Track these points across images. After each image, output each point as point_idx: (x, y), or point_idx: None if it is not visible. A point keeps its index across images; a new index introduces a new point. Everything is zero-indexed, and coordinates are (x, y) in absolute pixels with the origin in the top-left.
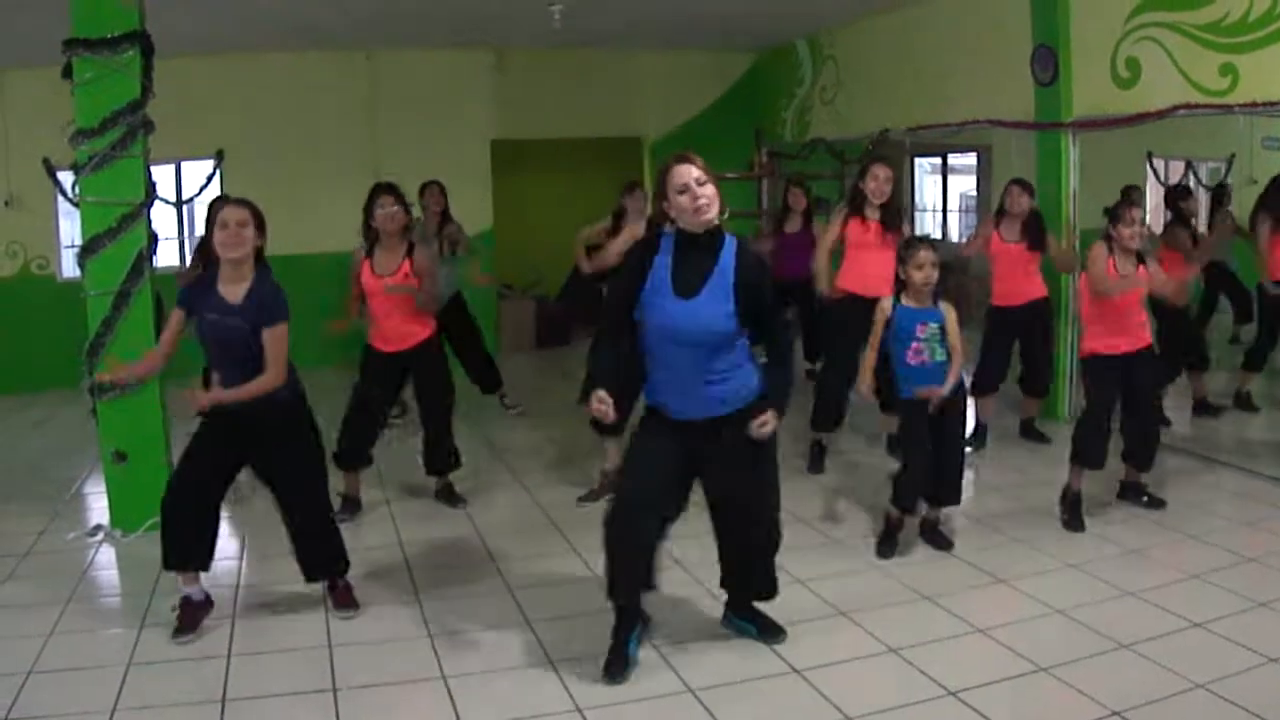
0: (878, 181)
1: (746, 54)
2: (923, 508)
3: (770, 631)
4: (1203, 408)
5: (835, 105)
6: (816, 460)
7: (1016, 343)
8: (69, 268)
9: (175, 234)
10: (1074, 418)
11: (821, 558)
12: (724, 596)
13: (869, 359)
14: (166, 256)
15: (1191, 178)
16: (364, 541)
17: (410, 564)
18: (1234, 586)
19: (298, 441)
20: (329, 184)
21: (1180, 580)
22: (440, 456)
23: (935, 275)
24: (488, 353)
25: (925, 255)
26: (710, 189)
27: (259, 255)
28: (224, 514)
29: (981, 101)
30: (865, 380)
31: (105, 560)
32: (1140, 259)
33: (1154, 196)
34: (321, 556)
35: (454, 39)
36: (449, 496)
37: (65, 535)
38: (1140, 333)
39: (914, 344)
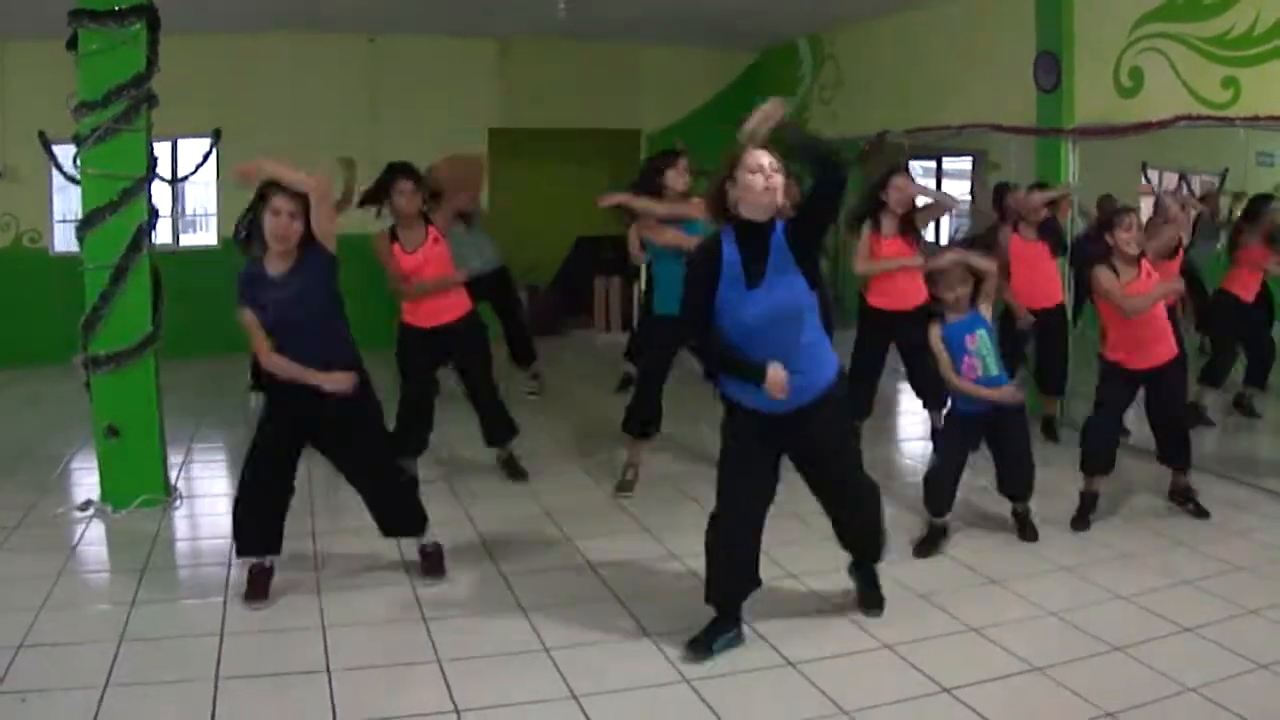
0: (901, 192)
1: (747, 51)
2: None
3: (868, 603)
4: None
5: (834, 106)
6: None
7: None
8: (61, 242)
9: (169, 212)
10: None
11: (814, 553)
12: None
13: (957, 384)
14: (161, 234)
15: (1184, 189)
16: (360, 523)
17: (403, 552)
18: (1224, 593)
19: (366, 406)
20: (325, 167)
21: (1171, 586)
22: (503, 425)
23: (964, 290)
24: (526, 326)
25: (957, 274)
26: (780, 179)
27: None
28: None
29: (982, 106)
30: (978, 390)
31: (95, 535)
32: (1138, 260)
33: (1146, 209)
34: (401, 516)
35: (458, 27)
36: (512, 469)
37: (54, 510)
38: (1164, 347)
39: (966, 358)
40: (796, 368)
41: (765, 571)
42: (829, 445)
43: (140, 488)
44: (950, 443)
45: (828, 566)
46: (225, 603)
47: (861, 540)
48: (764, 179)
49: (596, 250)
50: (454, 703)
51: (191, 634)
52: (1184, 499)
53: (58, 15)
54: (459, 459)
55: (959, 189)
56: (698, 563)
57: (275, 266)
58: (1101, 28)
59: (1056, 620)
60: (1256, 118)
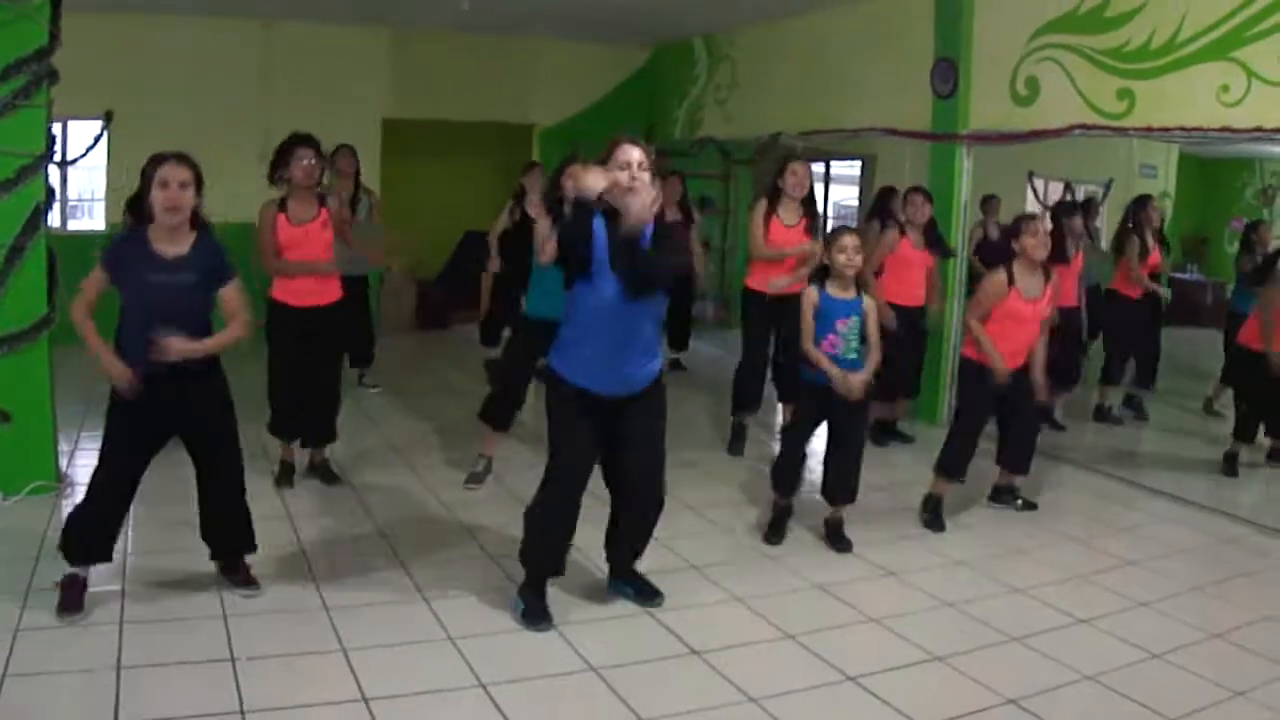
0: (796, 177)
1: (642, 48)
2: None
3: (648, 594)
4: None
5: (728, 106)
6: (737, 440)
7: None
8: None
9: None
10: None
11: (713, 545)
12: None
13: (814, 354)
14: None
15: (1069, 199)
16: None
17: (301, 539)
18: (1116, 587)
19: (225, 409)
20: (217, 152)
21: (1065, 580)
22: (329, 423)
23: (858, 260)
24: (372, 331)
25: (849, 240)
26: (647, 177)
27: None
28: None
29: (878, 110)
30: (830, 366)
31: None
32: (1047, 275)
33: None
34: (234, 537)
35: (354, 16)
36: (326, 473)
37: None
38: (1019, 360)
39: (831, 335)
40: (633, 357)
41: (666, 561)
42: (647, 428)
43: (31, 474)
44: (802, 414)
45: (729, 558)
46: (123, 592)
47: (639, 539)
48: (629, 177)
49: (484, 245)
50: (361, 691)
51: (90, 623)
52: (1013, 495)
53: None
54: (338, 456)
55: (847, 193)
56: (597, 553)
57: (166, 246)
58: (1000, 36)
59: (955, 611)
60: (1150, 128)
